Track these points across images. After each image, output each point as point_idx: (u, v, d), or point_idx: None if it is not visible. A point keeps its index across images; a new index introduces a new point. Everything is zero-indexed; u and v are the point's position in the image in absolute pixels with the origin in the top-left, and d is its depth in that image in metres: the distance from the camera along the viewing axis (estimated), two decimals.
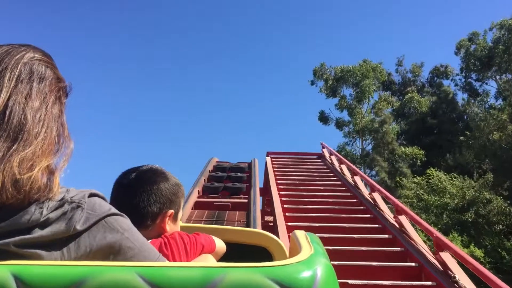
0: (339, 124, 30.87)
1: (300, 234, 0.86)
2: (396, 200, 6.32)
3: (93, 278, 0.60)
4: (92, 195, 0.74)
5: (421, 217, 9.81)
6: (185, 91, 51.98)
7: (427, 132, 29.82)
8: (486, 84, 30.85)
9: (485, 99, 30.31)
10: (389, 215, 6.23)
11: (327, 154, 11.56)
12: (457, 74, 32.38)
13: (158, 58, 52.65)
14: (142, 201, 1.12)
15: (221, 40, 54.15)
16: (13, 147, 0.68)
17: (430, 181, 19.18)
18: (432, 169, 19.77)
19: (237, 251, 1.35)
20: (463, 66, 30.86)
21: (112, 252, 0.72)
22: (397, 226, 5.58)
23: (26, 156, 0.68)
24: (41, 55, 0.79)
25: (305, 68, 57.92)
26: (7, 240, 0.65)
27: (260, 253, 1.45)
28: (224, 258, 1.29)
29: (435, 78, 33.62)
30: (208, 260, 1.17)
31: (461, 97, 31.84)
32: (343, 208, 6.94)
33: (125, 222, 0.76)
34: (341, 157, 10.64)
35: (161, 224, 1.15)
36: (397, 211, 6.01)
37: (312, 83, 31.77)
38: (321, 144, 12.70)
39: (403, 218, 5.69)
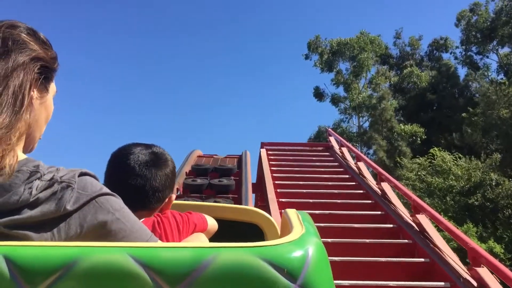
0: (335, 100, 30.76)
1: (292, 212, 0.89)
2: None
3: (84, 259, 0.62)
4: (82, 174, 0.75)
5: (424, 201, 8.48)
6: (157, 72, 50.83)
7: (426, 108, 29.84)
8: (487, 57, 30.82)
9: (486, 73, 30.28)
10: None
11: (335, 145, 9.06)
12: (456, 47, 32.34)
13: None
14: (157, 187, 1.17)
15: (206, 9, 53.07)
16: None
17: (434, 161, 18.44)
18: (435, 148, 19.16)
19: (229, 229, 1.40)
20: (463, 39, 30.77)
21: (103, 232, 0.74)
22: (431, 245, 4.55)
23: None
24: (17, 25, 0.78)
25: (298, 42, 57.04)
26: None
27: (251, 230, 1.49)
28: (216, 235, 1.34)
29: (435, 52, 33.50)
30: (200, 239, 1.22)
31: (461, 71, 31.80)
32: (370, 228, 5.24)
33: (116, 202, 0.77)
34: (358, 151, 8.33)
35: (165, 207, 1.22)
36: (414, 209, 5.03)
37: (307, 57, 31.48)
38: (328, 131, 10.68)
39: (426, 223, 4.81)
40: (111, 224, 0.75)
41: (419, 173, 18.53)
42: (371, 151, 28.32)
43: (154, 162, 1.20)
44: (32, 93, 0.78)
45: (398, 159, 22.72)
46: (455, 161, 18.16)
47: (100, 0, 51.23)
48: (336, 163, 8.24)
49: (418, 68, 31.56)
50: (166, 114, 50.77)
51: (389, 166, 23.08)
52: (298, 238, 0.69)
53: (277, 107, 50.62)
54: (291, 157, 8.60)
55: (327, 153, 9.04)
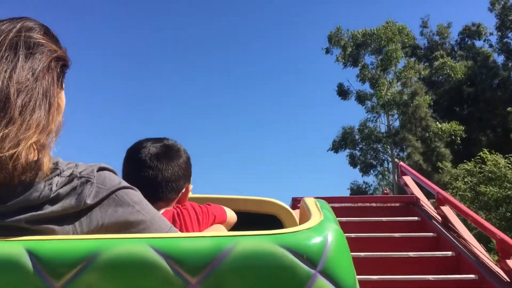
0: (361, 98, 30.22)
1: (310, 201, 0.94)
2: None
3: (106, 251, 0.69)
4: (101, 169, 0.83)
5: (480, 216, 7.65)
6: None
7: (462, 103, 29.08)
8: None
9: None
10: None
11: (421, 197, 5.87)
12: (491, 34, 31.50)
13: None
14: (169, 177, 1.27)
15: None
16: None
17: (484, 166, 16.43)
18: (485, 151, 17.20)
19: (248, 220, 1.49)
20: (499, 24, 29.99)
21: (124, 225, 0.81)
22: None
23: (10, 133, 0.74)
24: (33, 26, 0.86)
25: (316, 34, 56.37)
26: (18, 217, 0.74)
27: (270, 221, 1.59)
28: (235, 227, 1.44)
29: (466, 39, 32.76)
30: (219, 230, 1.30)
31: (497, 60, 30.91)
32: None
33: (136, 195, 0.84)
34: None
35: (183, 197, 1.32)
36: None
37: (327, 50, 31.01)
38: (399, 166, 7.48)
39: None
40: (131, 217, 0.81)
41: (465, 180, 16.88)
42: (404, 154, 27.62)
43: (165, 153, 1.30)
44: (60, 93, 0.87)
45: (440, 164, 21.61)
46: (510, 166, 16.21)
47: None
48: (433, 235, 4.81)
49: (451, 58, 30.79)
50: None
51: (427, 170, 22.34)
52: (317, 224, 0.74)
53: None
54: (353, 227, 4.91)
55: (414, 216, 5.34)
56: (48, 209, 0.76)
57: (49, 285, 0.67)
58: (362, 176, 31.33)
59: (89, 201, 0.78)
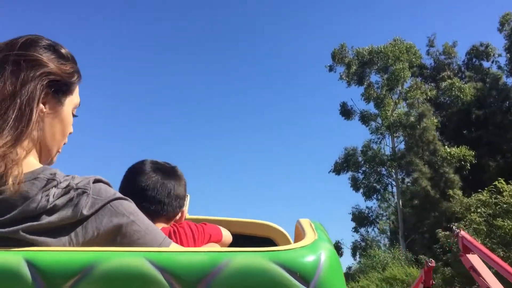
0: (365, 118, 30.05)
1: (304, 221, 0.98)
2: None
3: (102, 263, 0.72)
4: (96, 180, 0.87)
5: (497, 254, 6.64)
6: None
7: (471, 126, 28.90)
8: None
9: None
10: None
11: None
12: (499, 55, 31.50)
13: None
14: (170, 202, 1.38)
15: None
16: None
17: (500, 197, 15.48)
18: (501, 180, 16.32)
19: (243, 242, 1.54)
20: (507, 45, 29.92)
21: (119, 234, 0.85)
22: None
23: None
24: (32, 43, 0.91)
25: (319, 51, 56.55)
26: (16, 227, 0.78)
27: (265, 244, 1.62)
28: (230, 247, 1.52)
29: (474, 60, 32.77)
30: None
31: (506, 81, 30.78)
32: None
33: (130, 205, 0.89)
34: None
35: (180, 219, 1.44)
36: None
37: (331, 68, 30.99)
38: (460, 238, 6.27)
39: None
40: (126, 227, 0.85)
41: (479, 211, 16.02)
42: (409, 178, 27.31)
43: (167, 175, 1.40)
44: (41, 107, 0.90)
45: (451, 192, 20.91)
46: None
47: None
48: None
49: (458, 79, 30.69)
50: None
51: (435, 197, 22.00)
52: (311, 243, 0.78)
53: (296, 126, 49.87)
54: None
55: None
56: (45, 219, 0.81)
57: None
58: (365, 200, 31.02)
59: (85, 211, 0.83)
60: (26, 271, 0.71)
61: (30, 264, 0.72)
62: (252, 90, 51.14)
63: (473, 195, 17.68)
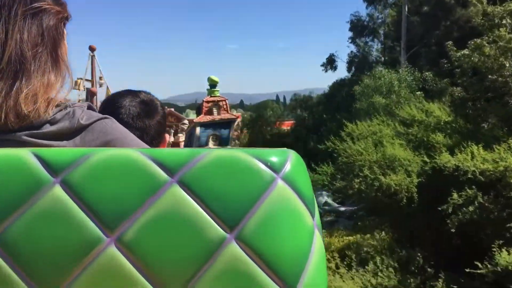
0: None
1: None
2: None
3: (99, 153, 0.92)
4: (90, 107, 1.11)
5: None
6: None
7: None
8: None
9: None
10: None
11: None
12: None
13: None
14: (153, 135, 1.53)
15: None
16: (15, 85, 1.00)
17: None
18: None
19: None
20: None
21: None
22: None
23: (29, 92, 1.00)
24: None
25: None
26: (20, 133, 1.01)
27: None
28: None
29: None
30: None
31: None
32: None
33: (119, 125, 1.13)
34: None
35: (162, 146, 1.59)
36: None
37: None
38: None
39: None
40: (117, 142, 1.08)
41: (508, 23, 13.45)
42: None
43: (146, 112, 1.52)
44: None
45: None
46: None
47: None
48: None
49: None
50: None
51: (449, 3, 20.15)
52: (280, 149, 0.99)
53: None
54: None
55: None
56: (47, 128, 1.02)
57: (50, 177, 0.90)
58: (366, 7, 30.41)
59: (83, 121, 1.05)
60: (34, 159, 0.91)
61: (36, 155, 0.91)
62: None
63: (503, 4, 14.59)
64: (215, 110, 39.93)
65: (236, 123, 41.87)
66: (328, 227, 20.01)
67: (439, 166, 13.19)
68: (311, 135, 33.15)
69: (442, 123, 15.91)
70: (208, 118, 39.95)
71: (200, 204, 0.91)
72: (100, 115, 1.10)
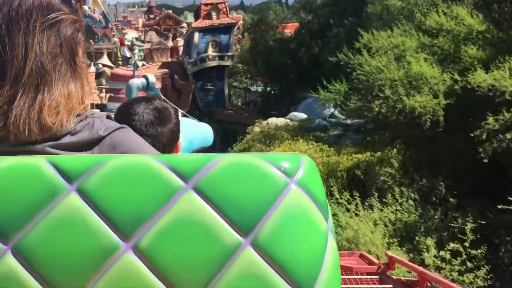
0: None
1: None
2: None
3: (114, 159, 1.04)
4: (108, 116, 1.27)
5: None
6: None
7: None
8: None
9: None
10: None
11: None
12: None
13: None
14: (165, 143, 1.68)
15: None
16: (38, 98, 1.13)
17: None
18: None
19: None
20: None
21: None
22: None
23: (52, 104, 1.13)
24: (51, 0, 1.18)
25: None
26: (43, 144, 1.15)
27: None
28: None
29: None
30: None
31: None
32: None
33: (135, 135, 1.27)
34: None
35: (176, 152, 1.73)
36: None
37: None
38: None
39: None
40: (132, 153, 1.19)
41: None
42: None
43: (159, 120, 1.68)
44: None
45: None
46: None
47: None
48: None
49: None
50: None
51: None
52: (293, 153, 1.10)
53: None
54: None
55: None
56: (68, 139, 1.16)
57: (65, 184, 1.02)
58: None
59: (101, 132, 1.18)
60: (49, 167, 1.02)
61: (51, 163, 1.03)
62: None
63: None
64: (214, 14, 39.30)
65: (236, 27, 41.30)
66: (335, 142, 20.11)
67: (472, 86, 12.89)
68: (315, 40, 33.06)
69: (474, 34, 15.33)
70: (207, 22, 39.34)
71: (215, 210, 1.02)
72: (117, 125, 1.23)
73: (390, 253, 7.28)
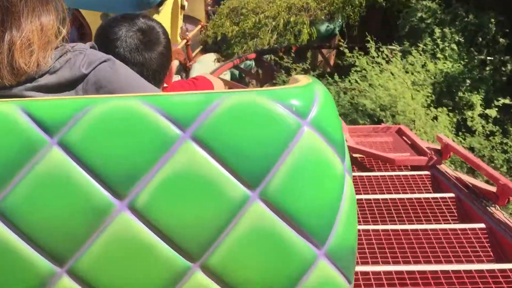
0: None
1: (301, 76, 1.21)
2: None
3: (97, 105, 1.00)
4: (92, 46, 1.20)
5: None
6: None
7: None
8: None
9: None
10: None
11: None
12: None
13: None
14: (155, 69, 1.66)
15: None
16: (5, 37, 1.09)
17: None
18: None
19: None
20: None
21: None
22: None
23: (23, 42, 1.09)
24: None
25: None
26: (20, 87, 1.11)
27: None
28: None
29: None
30: None
31: None
32: None
33: (121, 68, 1.23)
34: None
35: (169, 76, 1.73)
36: None
37: None
38: None
39: None
40: (120, 93, 1.17)
41: None
42: None
43: (145, 43, 1.62)
44: None
45: None
46: None
47: None
48: None
49: None
50: None
51: None
52: (306, 84, 1.05)
53: None
54: None
55: None
56: (46, 79, 1.14)
57: (45, 137, 1.00)
58: None
59: (84, 70, 1.16)
60: (19, 115, 0.99)
61: (23, 110, 0.99)
62: None
63: None
64: None
65: None
66: None
67: None
68: None
69: None
70: None
71: (218, 161, 1.01)
72: (101, 58, 1.20)
73: (444, 137, 6.15)
